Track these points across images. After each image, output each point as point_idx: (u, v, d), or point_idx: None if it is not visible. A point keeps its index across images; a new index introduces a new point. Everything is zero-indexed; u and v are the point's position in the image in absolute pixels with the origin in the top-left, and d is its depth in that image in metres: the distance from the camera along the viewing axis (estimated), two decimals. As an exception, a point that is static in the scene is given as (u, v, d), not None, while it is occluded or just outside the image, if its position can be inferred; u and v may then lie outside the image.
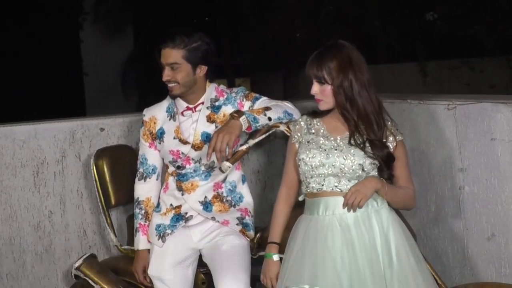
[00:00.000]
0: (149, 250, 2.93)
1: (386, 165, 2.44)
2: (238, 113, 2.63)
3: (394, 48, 11.25)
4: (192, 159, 2.84)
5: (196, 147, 2.82)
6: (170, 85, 2.80)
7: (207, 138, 2.81)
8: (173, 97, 2.84)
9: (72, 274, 3.10)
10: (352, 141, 2.43)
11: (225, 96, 2.87)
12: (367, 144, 2.43)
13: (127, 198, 3.14)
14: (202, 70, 2.83)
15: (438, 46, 10.94)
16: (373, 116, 2.43)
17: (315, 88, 2.46)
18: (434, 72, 11.06)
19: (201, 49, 2.79)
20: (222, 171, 2.73)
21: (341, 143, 2.45)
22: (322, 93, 2.45)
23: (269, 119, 2.68)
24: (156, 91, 2.91)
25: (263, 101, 2.83)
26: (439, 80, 10.99)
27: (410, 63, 11.28)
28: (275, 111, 2.70)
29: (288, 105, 2.79)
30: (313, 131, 2.53)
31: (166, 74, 2.77)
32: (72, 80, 12.55)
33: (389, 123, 2.51)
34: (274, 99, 2.88)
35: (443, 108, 2.96)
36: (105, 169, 3.18)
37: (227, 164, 2.68)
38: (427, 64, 11.11)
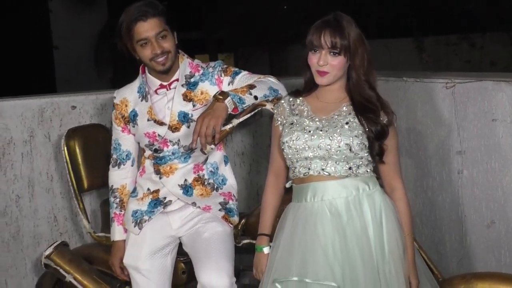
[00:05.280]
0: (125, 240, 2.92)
1: (377, 138, 2.42)
2: (223, 94, 2.60)
3: (388, 22, 11.23)
4: (170, 141, 2.82)
5: (173, 128, 2.81)
6: (161, 58, 2.74)
7: (184, 118, 2.79)
8: (167, 71, 2.78)
9: (42, 263, 3.09)
10: (359, 115, 2.41)
11: (201, 72, 2.85)
12: (364, 121, 2.41)
13: (101, 182, 3.13)
14: (175, 36, 2.82)
15: (435, 20, 10.95)
16: (375, 94, 2.44)
17: (326, 59, 2.40)
18: (431, 48, 11.08)
19: (168, 13, 2.78)
20: (204, 153, 2.72)
21: (326, 123, 2.44)
22: (332, 65, 2.41)
23: (255, 98, 2.66)
24: (133, 67, 2.87)
25: (243, 76, 2.81)
26: (436, 57, 11.02)
27: (405, 39, 11.30)
28: (260, 88, 2.68)
29: (272, 80, 2.76)
30: (296, 112, 2.51)
31: (158, 46, 2.73)
32: (40, 54, 12.43)
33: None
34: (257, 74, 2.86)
35: (441, 87, 2.96)
36: (77, 150, 3.16)
37: (209, 145, 2.68)
38: (423, 40, 11.12)
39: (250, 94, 2.65)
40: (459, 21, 10.75)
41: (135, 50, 2.77)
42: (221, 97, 2.59)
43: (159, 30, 2.73)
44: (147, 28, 2.72)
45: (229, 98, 2.59)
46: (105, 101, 3.54)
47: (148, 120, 2.83)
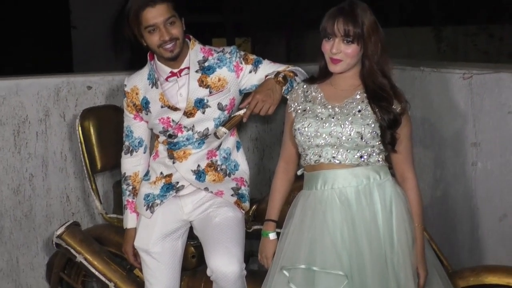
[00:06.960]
0: None
1: (389, 127, 2.40)
2: (284, 79, 2.67)
3: (407, 9, 11.14)
4: (184, 127, 2.81)
5: (188, 114, 2.79)
6: (169, 45, 2.71)
7: (200, 103, 2.78)
8: (175, 58, 2.75)
9: (53, 243, 3.11)
10: (372, 103, 2.40)
11: (215, 56, 2.82)
12: (376, 109, 2.40)
13: (114, 163, 3.13)
14: (183, 22, 2.78)
15: (455, 9, 10.85)
16: (388, 83, 2.42)
17: (339, 47, 2.39)
18: (449, 37, 10.98)
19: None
20: (217, 137, 2.71)
21: (338, 111, 2.43)
22: (345, 53, 2.40)
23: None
24: (149, 49, 2.85)
25: (268, 65, 2.81)
26: (454, 47, 10.92)
27: (424, 27, 11.21)
28: (299, 78, 2.72)
29: (302, 71, 2.80)
30: (310, 98, 2.50)
31: (167, 33, 2.70)
32: (58, 33, 12.46)
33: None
34: (277, 62, 2.86)
35: (458, 77, 2.93)
36: (92, 130, 3.16)
37: (223, 129, 2.67)
38: (442, 29, 11.02)
39: (295, 80, 2.70)
40: (479, 12, 10.65)
41: (143, 36, 2.74)
42: (283, 81, 2.66)
43: (168, 16, 2.69)
44: (155, 14, 2.68)
45: (287, 84, 2.66)
46: (121, 82, 3.53)
47: (162, 107, 2.81)
